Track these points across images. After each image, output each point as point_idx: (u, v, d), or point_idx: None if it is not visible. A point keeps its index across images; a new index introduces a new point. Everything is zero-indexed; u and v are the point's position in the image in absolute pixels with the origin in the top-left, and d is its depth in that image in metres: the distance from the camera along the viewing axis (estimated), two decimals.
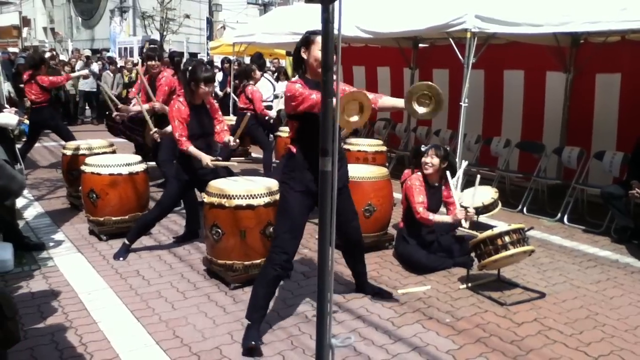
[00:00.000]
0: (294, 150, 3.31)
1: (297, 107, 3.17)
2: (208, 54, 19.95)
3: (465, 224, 4.23)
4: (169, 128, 5.06)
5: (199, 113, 4.42)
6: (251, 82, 7.35)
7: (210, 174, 4.42)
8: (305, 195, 3.25)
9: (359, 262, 3.88)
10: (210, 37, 24.01)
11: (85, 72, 8.18)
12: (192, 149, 4.31)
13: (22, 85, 11.34)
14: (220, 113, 4.64)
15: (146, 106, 5.74)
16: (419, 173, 4.54)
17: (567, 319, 3.70)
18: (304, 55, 3.23)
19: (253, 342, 3.09)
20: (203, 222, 4.21)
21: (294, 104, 3.18)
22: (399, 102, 3.22)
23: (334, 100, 1.75)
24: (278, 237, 3.28)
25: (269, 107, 8.53)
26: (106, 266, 4.39)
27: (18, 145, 6.83)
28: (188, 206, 5.15)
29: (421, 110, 3.10)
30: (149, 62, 6.24)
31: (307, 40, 3.20)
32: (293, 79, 3.37)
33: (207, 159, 4.28)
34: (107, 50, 21.19)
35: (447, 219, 4.38)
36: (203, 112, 4.46)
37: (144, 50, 7.01)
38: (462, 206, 4.38)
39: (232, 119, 8.67)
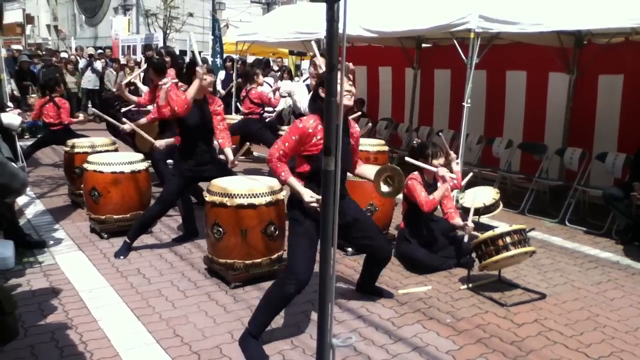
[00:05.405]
0: (302, 183, 3.14)
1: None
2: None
3: (466, 231, 4.26)
4: (171, 140, 5.14)
5: (201, 106, 4.47)
6: (253, 86, 7.50)
7: (210, 169, 4.46)
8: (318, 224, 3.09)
9: (380, 269, 3.85)
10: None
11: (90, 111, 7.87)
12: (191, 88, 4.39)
13: (24, 83, 11.40)
14: (221, 104, 4.69)
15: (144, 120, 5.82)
16: (416, 173, 4.54)
17: (567, 320, 3.70)
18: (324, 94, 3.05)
19: None
20: (204, 221, 4.20)
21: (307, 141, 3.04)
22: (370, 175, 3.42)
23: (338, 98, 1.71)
24: (298, 262, 3.06)
25: (270, 112, 8.69)
26: (107, 264, 4.40)
27: (20, 143, 6.83)
28: (183, 205, 5.14)
29: (385, 189, 3.33)
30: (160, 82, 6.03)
31: None
32: (309, 116, 3.14)
33: (209, 80, 4.42)
34: (110, 48, 21.10)
35: (443, 188, 4.45)
36: (205, 106, 4.52)
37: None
38: (462, 208, 4.38)
39: (234, 118, 8.70)
